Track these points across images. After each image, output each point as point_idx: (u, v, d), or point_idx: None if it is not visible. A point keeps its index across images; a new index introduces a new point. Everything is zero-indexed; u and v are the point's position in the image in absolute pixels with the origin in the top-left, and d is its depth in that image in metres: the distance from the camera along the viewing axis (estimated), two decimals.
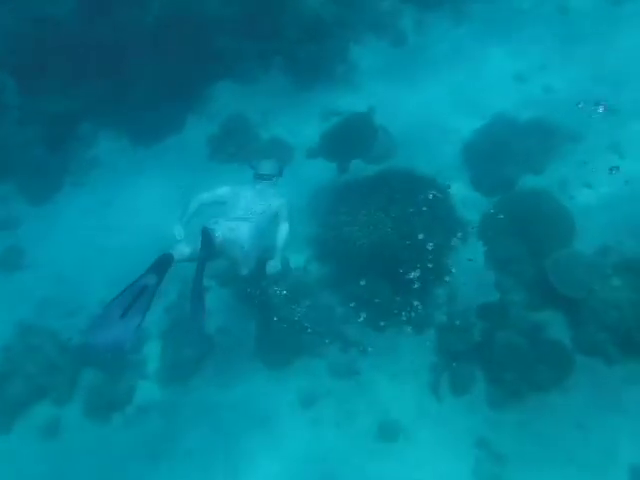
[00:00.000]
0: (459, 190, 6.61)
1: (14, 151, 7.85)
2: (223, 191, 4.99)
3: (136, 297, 4.10)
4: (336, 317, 6.07)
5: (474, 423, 5.24)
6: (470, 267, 6.16)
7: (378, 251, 6.07)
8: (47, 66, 8.13)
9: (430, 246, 6.11)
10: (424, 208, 6.31)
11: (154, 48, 7.97)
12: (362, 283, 6.12)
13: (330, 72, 8.16)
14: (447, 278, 6.12)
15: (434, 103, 7.52)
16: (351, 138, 7.06)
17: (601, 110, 6.60)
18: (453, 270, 6.14)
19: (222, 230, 4.47)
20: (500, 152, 6.85)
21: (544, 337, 5.50)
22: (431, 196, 6.41)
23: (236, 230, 4.52)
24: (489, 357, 5.48)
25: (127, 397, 6.01)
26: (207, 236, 4.31)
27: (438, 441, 5.23)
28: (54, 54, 8.07)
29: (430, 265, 6.07)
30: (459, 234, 6.34)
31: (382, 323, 5.96)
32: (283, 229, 4.91)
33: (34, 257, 7.22)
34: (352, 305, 6.10)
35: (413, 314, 5.90)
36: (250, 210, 4.81)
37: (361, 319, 6.05)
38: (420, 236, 6.12)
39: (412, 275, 6.01)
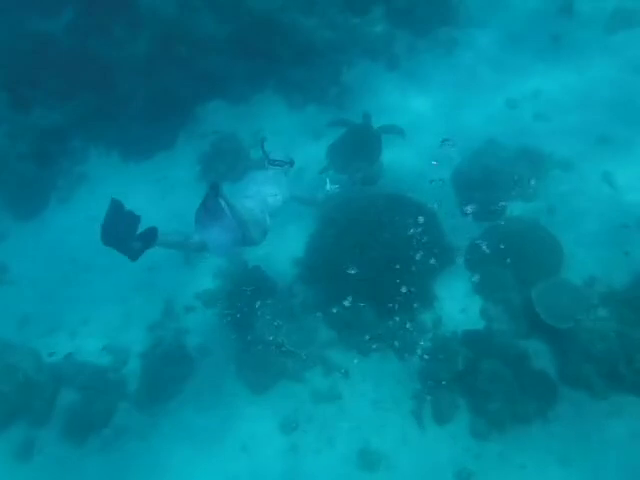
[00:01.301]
0: (447, 215, 6.72)
1: (2, 165, 7.98)
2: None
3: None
4: (319, 340, 6.13)
5: (456, 453, 5.27)
6: (457, 293, 6.26)
7: (364, 275, 6.17)
8: (39, 80, 8.34)
9: (416, 271, 6.23)
10: (412, 233, 6.45)
11: (147, 65, 8.19)
12: (347, 305, 6.21)
13: (323, 94, 8.36)
14: (433, 304, 6.23)
15: (422, 127, 7.68)
16: (357, 148, 7.19)
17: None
18: (439, 296, 6.25)
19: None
20: (489, 178, 7.00)
21: (529, 367, 5.55)
22: (419, 221, 6.55)
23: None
24: (473, 386, 5.53)
25: (105, 418, 6.01)
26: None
27: (419, 470, 5.25)
28: (46, 69, 8.29)
29: (416, 290, 6.17)
30: (447, 259, 6.46)
31: (366, 347, 6.03)
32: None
33: (17, 273, 7.30)
34: (336, 328, 6.19)
35: (397, 340, 5.97)
36: (259, 194, 4.96)
37: (345, 342, 6.14)
38: (407, 260, 6.24)
39: (397, 300, 6.11)
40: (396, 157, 7.48)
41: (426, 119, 7.80)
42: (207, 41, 8.32)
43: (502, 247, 6.34)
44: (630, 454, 4.91)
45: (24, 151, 8.12)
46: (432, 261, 6.35)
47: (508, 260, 6.24)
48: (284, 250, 6.92)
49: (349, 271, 6.19)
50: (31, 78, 8.33)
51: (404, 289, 6.14)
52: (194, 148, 7.97)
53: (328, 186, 5.84)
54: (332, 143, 7.19)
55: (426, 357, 5.81)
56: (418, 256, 6.31)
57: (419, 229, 6.51)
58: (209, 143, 7.94)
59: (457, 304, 6.17)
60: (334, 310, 6.25)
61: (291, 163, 5.63)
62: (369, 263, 6.22)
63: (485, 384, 5.46)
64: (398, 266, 6.19)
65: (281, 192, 5.18)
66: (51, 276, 7.12)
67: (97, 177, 7.78)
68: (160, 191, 7.65)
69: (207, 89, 8.28)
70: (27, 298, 7.00)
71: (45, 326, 6.70)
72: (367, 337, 6.08)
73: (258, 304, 6.32)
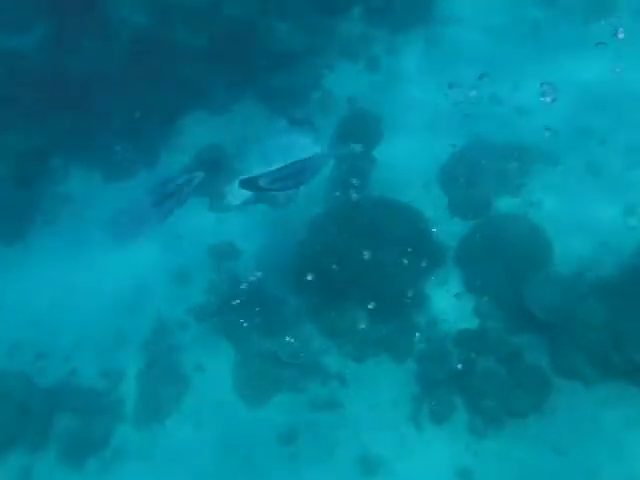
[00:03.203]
0: (435, 215, 7.00)
1: None
2: None
3: None
4: (314, 349, 6.39)
5: (455, 452, 5.54)
6: (449, 293, 6.55)
7: (356, 280, 6.44)
8: (14, 100, 8.49)
9: (408, 273, 6.50)
10: (401, 235, 6.71)
11: (124, 80, 8.38)
12: (339, 311, 6.48)
13: (305, 99, 8.62)
14: (426, 305, 6.50)
15: (407, 127, 7.97)
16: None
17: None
18: (431, 296, 6.53)
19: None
20: (475, 175, 7.30)
21: (523, 362, 5.85)
22: (407, 223, 6.82)
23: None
24: (469, 384, 5.81)
25: (103, 440, 6.23)
26: None
27: (420, 473, 5.52)
28: (21, 87, 8.45)
29: (408, 292, 6.44)
30: (436, 260, 6.74)
31: (361, 353, 6.30)
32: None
33: (3, 298, 7.46)
34: (330, 336, 6.45)
35: (392, 343, 6.24)
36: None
37: (340, 349, 6.40)
38: (398, 263, 6.51)
39: (390, 303, 6.38)
40: (384, 157, 7.76)
41: (409, 121, 8.07)
42: (183, 51, 8.53)
43: (491, 243, 6.65)
44: (623, 441, 5.20)
45: (3, 173, 8.28)
46: (422, 262, 6.62)
47: (498, 256, 6.54)
48: (275, 259, 7.18)
49: (340, 277, 6.45)
50: (6, 98, 8.49)
51: (396, 292, 6.42)
52: (178, 162, 8.20)
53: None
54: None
55: (421, 359, 6.09)
56: (408, 258, 6.59)
57: (409, 231, 6.79)
58: (192, 156, 8.17)
59: (449, 303, 6.45)
60: (327, 317, 6.52)
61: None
62: (360, 268, 6.48)
63: (480, 382, 5.75)
64: (389, 269, 6.46)
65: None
66: (39, 300, 7.30)
67: (81, 198, 7.98)
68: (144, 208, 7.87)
69: (186, 100, 8.49)
70: (16, 323, 7.17)
71: (35, 351, 6.88)
72: (362, 342, 6.36)
73: (251, 316, 6.56)
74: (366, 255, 6.46)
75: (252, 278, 6.97)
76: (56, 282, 7.21)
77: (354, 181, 7.42)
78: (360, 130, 8.08)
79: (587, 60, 7.99)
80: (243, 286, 6.89)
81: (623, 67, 7.37)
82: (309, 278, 6.38)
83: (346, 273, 6.47)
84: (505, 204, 7.06)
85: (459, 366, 5.88)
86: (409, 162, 7.64)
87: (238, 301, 6.69)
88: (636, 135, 7.31)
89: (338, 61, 8.82)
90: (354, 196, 7.07)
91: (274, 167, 5.55)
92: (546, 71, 7.96)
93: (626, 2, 8.47)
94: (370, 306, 6.26)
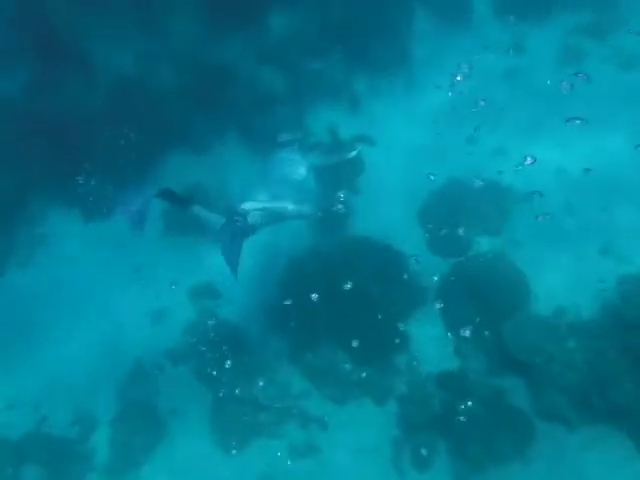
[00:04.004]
0: (416, 254, 7.11)
1: None
2: None
3: None
4: (294, 392, 6.35)
5: None
6: (430, 333, 6.59)
7: (336, 321, 6.47)
8: None
9: (389, 314, 6.55)
10: (382, 276, 6.80)
11: (105, 121, 8.54)
12: (320, 353, 6.48)
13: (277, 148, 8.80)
14: (407, 345, 6.53)
15: (389, 163, 8.17)
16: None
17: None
18: (412, 337, 6.56)
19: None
20: (455, 213, 7.46)
21: (505, 404, 5.86)
22: (388, 262, 6.92)
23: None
24: (451, 428, 5.79)
25: None
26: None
27: None
28: (2, 130, 8.57)
29: (389, 333, 6.48)
30: (417, 299, 6.81)
31: (342, 396, 6.27)
32: None
33: None
34: (310, 378, 6.43)
35: (373, 386, 6.23)
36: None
37: (320, 391, 6.37)
38: (379, 304, 6.57)
39: (371, 344, 6.40)
40: (364, 196, 7.92)
41: (390, 159, 8.28)
42: (165, 93, 8.76)
43: (471, 283, 6.74)
44: None
45: None
46: (404, 301, 6.70)
47: (478, 295, 6.62)
48: (255, 299, 7.20)
49: (321, 317, 6.48)
50: None
51: (377, 332, 6.45)
52: (156, 203, 8.26)
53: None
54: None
55: (402, 401, 6.08)
56: (389, 297, 6.66)
57: (388, 271, 6.89)
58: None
59: (430, 343, 6.48)
60: (307, 359, 6.51)
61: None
62: (341, 309, 6.52)
63: (462, 426, 5.74)
64: (370, 309, 6.51)
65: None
66: (12, 342, 7.22)
67: (57, 238, 7.99)
68: (123, 249, 7.88)
69: (167, 141, 8.65)
70: None
71: (6, 398, 6.75)
72: (343, 385, 6.34)
73: (230, 359, 6.53)
74: (347, 293, 6.53)
75: (231, 318, 6.98)
76: (28, 325, 7.14)
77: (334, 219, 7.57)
78: (341, 168, 8.27)
79: None
80: (222, 327, 6.88)
81: None
82: (289, 319, 6.41)
83: (327, 313, 6.53)
84: (485, 243, 7.20)
85: (440, 409, 5.87)
86: (390, 200, 7.79)
87: (216, 342, 6.67)
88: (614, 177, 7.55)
89: (319, 102, 9.08)
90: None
91: (260, 199, 5.82)
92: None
93: None
94: (353, 344, 6.25)
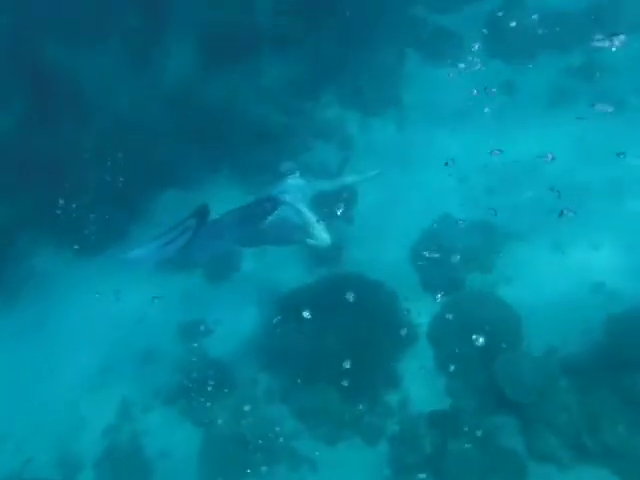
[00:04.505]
0: (407, 292, 7.18)
1: None
2: None
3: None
4: (284, 432, 6.31)
5: None
6: (420, 372, 6.61)
7: (326, 360, 6.49)
8: None
9: (379, 353, 6.59)
10: (373, 313, 6.86)
11: (98, 156, 8.70)
12: (310, 391, 6.47)
13: (279, 177, 8.97)
14: (398, 385, 6.54)
15: (380, 205, 8.31)
16: None
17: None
18: (404, 376, 6.58)
19: None
20: (445, 252, 7.57)
21: (496, 444, 5.85)
22: (379, 301, 6.99)
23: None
24: (442, 469, 5.76)
25: None
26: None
27: None
28: None
29: (380, 372, 6.50)
30: (408, 338, 6.85)
31: (332, 436, 6.24)
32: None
33: None
34: (301, 418, 6.40)
35: (364, 426, 6.21)
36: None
37: (311, 431, 6.33)
38: (369, 342, 6.61)
39: (361, 384, 6.40)
40: (356, 234, 8.03)
41: (380, 198, 8.44)
42: (159, 130, 8.96)
43: (463, 321, 6.81)
44: None
45: None
46: (394, 341, 6.74)
47: (469, 334, 6.67)
48: (245, 337, 7.22)
49: (311, 357, 6.50)
50: None
51: (368, 371, 6.47)
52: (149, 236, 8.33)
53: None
54: None
55: (393, 441, 6.06)
56: (381, 336, 6.70)
57: (381, 309, 6.95)
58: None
59: (421, 382, 6.49)
60: (298, 398, 6.50)
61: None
62: (331, 347, 6.55)
63: (454, 466, 5.71)
64: (360, 348, 6.54)
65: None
66: None
67: (45, 275, 8.02)
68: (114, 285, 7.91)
69: (160, 177, 8.80)
70: None
71: None
72: (333, 424, 6.32)
73: (218, 398, 6.51)
74: (337, 331, 6.57)
75: (222, 357, 6.98)
76: (12, 364, 7.09)
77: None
78: (333, 205, 8.41)
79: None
80: (212, 365, 6.87)
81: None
82: (280, 357, 6.42)
83: (317, 351, 6.55)
84: (476, 281, 7.29)
85: (431, 450, 5.85)
86: (381, 239, 7.91)
87: (206, 381, 6.65)
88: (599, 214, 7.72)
89: (313, 140, 9.29)
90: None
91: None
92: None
93: None
94: (343, 384, 6.25)
